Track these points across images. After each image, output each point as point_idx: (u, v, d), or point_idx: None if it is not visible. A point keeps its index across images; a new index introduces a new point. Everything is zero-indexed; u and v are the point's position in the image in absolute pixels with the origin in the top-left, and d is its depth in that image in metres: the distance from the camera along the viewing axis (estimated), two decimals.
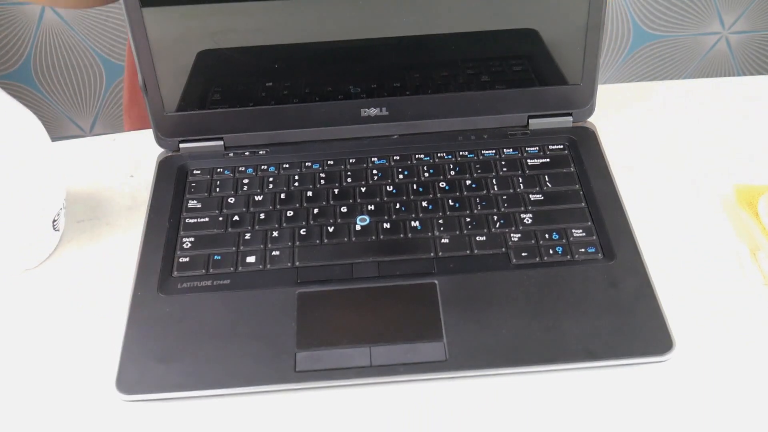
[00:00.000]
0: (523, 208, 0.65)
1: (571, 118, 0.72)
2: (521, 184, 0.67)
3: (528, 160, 0.69)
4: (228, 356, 0.56)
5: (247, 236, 0.64)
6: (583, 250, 0.61)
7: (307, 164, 0.70)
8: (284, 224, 0.65)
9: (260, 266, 0.62)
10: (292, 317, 0.58)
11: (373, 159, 0.70)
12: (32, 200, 0.60)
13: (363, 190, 0.67)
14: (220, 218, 0.66)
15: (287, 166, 0.70)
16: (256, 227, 0.65)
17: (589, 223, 0.63)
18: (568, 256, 0.61)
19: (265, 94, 0.70)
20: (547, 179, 0.67)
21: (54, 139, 0.68)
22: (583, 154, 0.69)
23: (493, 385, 0.55)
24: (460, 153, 0.70)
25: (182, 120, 0.70)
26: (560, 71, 0.70)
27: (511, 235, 0.63)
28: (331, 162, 0.70)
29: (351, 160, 0.70)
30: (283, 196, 0.67)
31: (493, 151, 0.70)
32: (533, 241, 0.62)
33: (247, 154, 0.71)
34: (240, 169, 0.70)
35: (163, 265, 0.62)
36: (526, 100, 0.71)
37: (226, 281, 0.61)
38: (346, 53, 0.69)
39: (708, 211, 0.66)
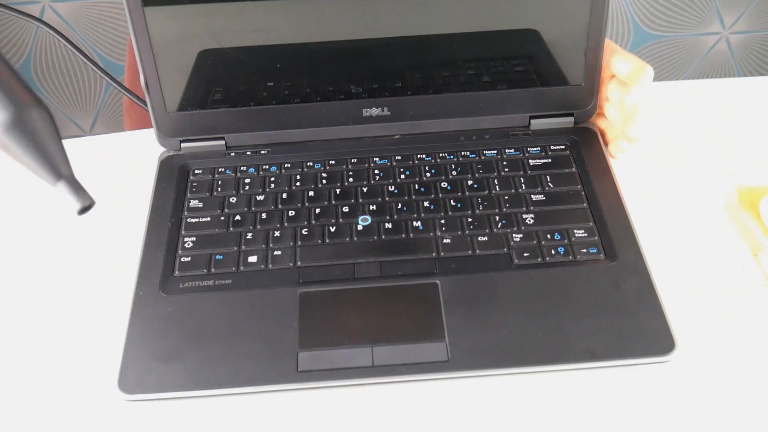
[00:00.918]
0: (524, 209, 0.65)
1: (572, 119, 0.72)
2: (523, 185, 0.67)
3: (530, 161, 0.69)
4: (230, 356, 0.56)
5: (249, 236, 0.64)
6: (585, 250, 0.61)
7: (308, 164, 0.70)
8: (286, 224, 0.65)
9: (262, 266, 0.62)
10: (293, 317, 0.58)
11: (374, 159, 0.70)
12: None
13: (365, 190, 0.67)
14: (222, 218, 0.66)
15: (289, 165, 0.70)
16: (258, 227, 0.65)
17: (591, 224, 0.63)
18: (570, 257, 0.61)
19: (267, 93, 0.70)
20: (548, 179, 0.67)
21: (65, 136, 0.68)
22: (584, 154, 0.69)
23: (495, 385, 0.55)
24: (462, 153, 0.70)
25: (184, 119, 0.70)
26: (562, 72, 0.70)
27: (513, 235, 0.63)
28: (333, 162, 0.70)
29: (353, 160, 0.70)
30: (284, 195, 0.67)
31: (495, 152, 0.70)
32: (535, 242, 0.62)
33: (248, 153, 0.71)
34: (241, 168, 0.70)
35: (164, 264, 0.62)
36: (528, 101, 0.71)
37: (227, 281, 0.61)
38: (348, 53, 0.69)
39: (709, 212, 0.66)
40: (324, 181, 0.68)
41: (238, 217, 0.65)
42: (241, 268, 0.62)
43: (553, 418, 0.53)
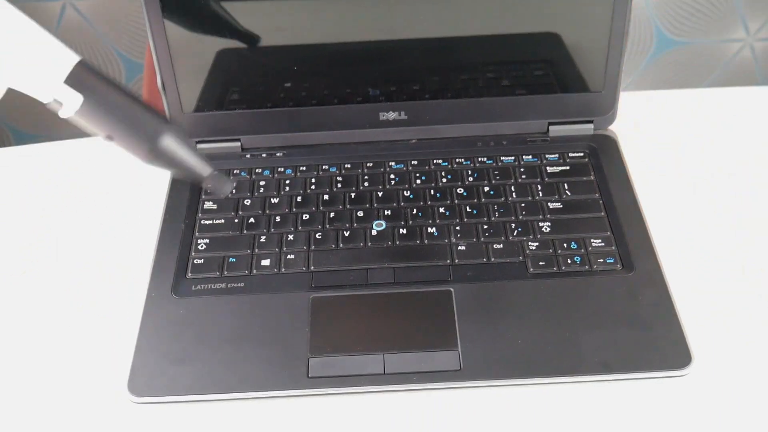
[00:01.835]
0: (541, 216, 0.64)
1: (592, 126, 0.71)
2: (540, 192, 0.66)
3: (547, 168, 0.68)
4: (240, 360, 0.55)
5: (263, 239, 0.63)
6: (601, 260, 0.61)
7: (324, 167, 0.69)
8: (300, 228, 0.64)
9: (275, 270, 0.61)
10: (305, 322, 0.57)
11: (390, 163, 0.69)
12: None
13: (380, 194, 0.67)
14: (236, 220, 0.65)
15: (304, 168, 0.69)
16: (272, 230, 0.64)
17: (609, 233, 0.63)
18: (587, 267, 0.60)
19: (284, 95, 0.70)
20: (566, 187, 0.66)
21: (73, 136, 0.68)
22: (603, 162, 0.68)
23: (507, 396, 0.54)
24: (479, 159, 0.69)
25: (200, 120, 0.70)
26: (582, 77, 0.69)
27: (529, 243, 0.62)
28: (349, 165, 0.69)
29: (368, 164, 0.69)
30: (299, 199, 0.67)
31: (512, 158, 0.69)
32: (551, 251, 0.61)
33: (264, 155, 0.71)
34: (257, 170, 0.69)
35: (177, 266, 0.62)
36: (547, 107, 0.70)
37: (240, 284, 0.61)
38: (366, 55, 0.69)
39: (730, 223, 0.65)
40: (339, 185, 0.68)
41: (251, 220, 0.65)
42: (254, 271, 0.61)
43: (566, 431, 0.52)
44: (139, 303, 0.59)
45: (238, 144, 0.71)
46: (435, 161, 0.69)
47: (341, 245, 0.63)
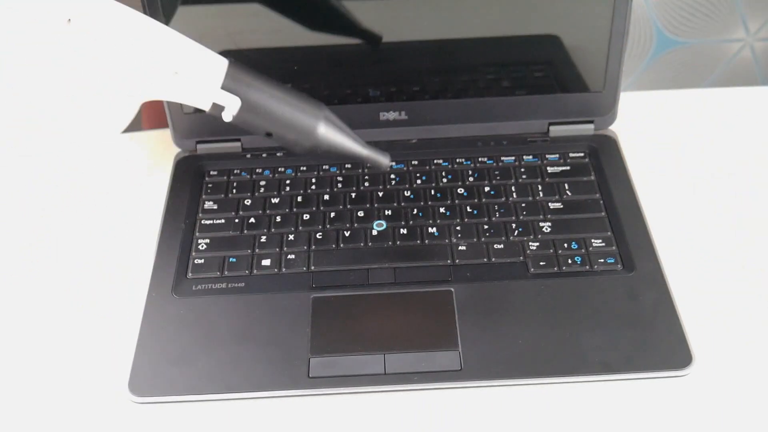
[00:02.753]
0: (542, 217, 0.64)
1: (592, 126, 0.71)
2: (540, 192, 0.66)
3: (548, 168, 0.68)
4: (241, 360, 0.55)
5: (263, 239, 0.63)
6: (602, 260, 0.61)
7: (324, 167, 0.69)
8: (300, 227, 0.64)
9: (275, 270, 0.61)
10: (306, 322, 0.57)
11: (390, 163, 0.69)
12: None
13: (380, 194, 0.67)
14: (236, 220, 0.65)
15: (305, 168, 0.69)
16: (272, 230, 0.64)
17: (609, 233, 0.63)
18: (587, 267, 0.60)
19: None
20: (567, 187, 0.66)
21: None
22: (604, 162, 0.68)
23: (508, 396, 0.54)
24: (479, 159, 0.69)
25: (200, 120, 0.70)
26: (582, 78, 0.69)
27: (530, 243, 0.62)
28: (349, 165, 0.69)
29: (369, 164, 0.69)
30: (299, 199, 0.67)
31: (513, 158, 0.69)
32: (552, 251, 0.61)
33: (264, 155, 0.71)
34: (257, 170, 0.69)
35: (177, 266, 0.62)
36: (547, 107, 0.70)
37: (240, 284, 0.61)
38: (366, 56, 0.69)
39: (730, 223, 0.65)
40: (339, 185, 0.68)
41: (252, 220, 0.65)
42: (255, 271, 0.61)
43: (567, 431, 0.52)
44: (139, 303, 0.59)
45: (238, 144, 0.71)
46: (435, 161, 0.69)
47: (342, 245, 0.63)
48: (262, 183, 0.68)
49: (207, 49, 0.50)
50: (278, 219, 0.65)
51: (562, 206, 0.65)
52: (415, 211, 0.65)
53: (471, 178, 0.67)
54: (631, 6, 0.65)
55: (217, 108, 0.51)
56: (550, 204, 0.65)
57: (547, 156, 0.69)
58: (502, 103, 0.70)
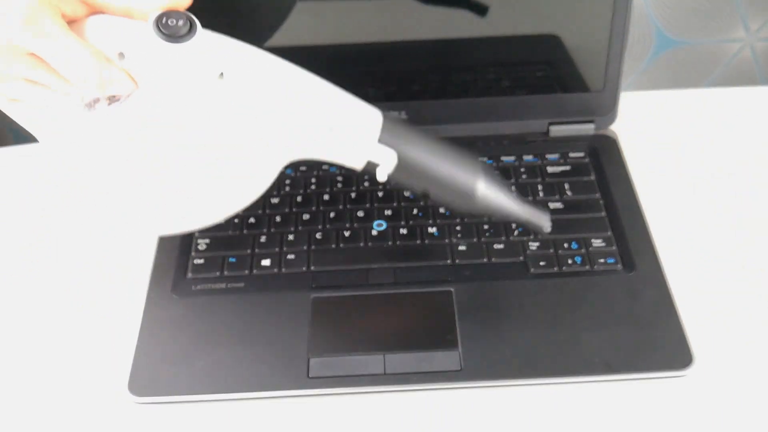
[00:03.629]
0: None
1: (592, 126, 0.71)
2: (541, 192, 0.66)
3: (548, 168, 0.68)
4: (241, 360, 0.55)
5: (263, 239, 0.63)
6: (602, 260, 0.61)
7: (324, 167, 0.69)
8: (300, 227, 0.64)
9: (275, 269, 0.61)
10: (306, 322, 0.57)
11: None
12: None
13: (380, 194, 0.67)
14: (236, 220, 0.65)
15: (304, 168, 0.69)
16: (272, 230, 0.64)
17: (609, 233, 0.63)
18: (587, 267, 0.60)
19: None
20: (567, 187, 0.66)
21: None
22: (604, 162, 0.68)
23: (508, 396, 0.54)
24: (479, 159, 0.69)
25: None
26: (582, 78, 0.69)
27: (530, 243, 0.62)
28: None
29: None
30: (299, 198, 0.66)
31: (513, 158, 0.69)
32: (552, 251, 0.61)
33: None
34: None
35: (177, 266, 0.62)
36: (548, 107, 0.70)
37: (240, 284, 0.61)
38: (366, 55, 0.68)
39: (730, 223, 0.65)
40: (339, 185, 0.68)
41: (252, 220, 0.65)
42: (254, 271, 0.61)
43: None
44: (139, 303, 0.59)
45: None
46: None
47: (342, 245, 0.63)
48: None
49: (362, 102, 0.47)
50: (278, 219, 0.65)
51: (562, 206, 0.65)
52: (415, 211, 0.65)
53: None
54: (631, 6, 0.65)
55: (372, 165, 0.47)
56: (550, 204, 0.65)
57: (547, 156, 0.69)
58: (502, 103, 0.70)
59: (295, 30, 0.67)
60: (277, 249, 0.63)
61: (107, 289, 0.62)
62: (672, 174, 0.70)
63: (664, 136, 0.74)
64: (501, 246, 0.62)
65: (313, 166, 0.69)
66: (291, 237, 0.63)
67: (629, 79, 1.22)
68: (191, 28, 0.43)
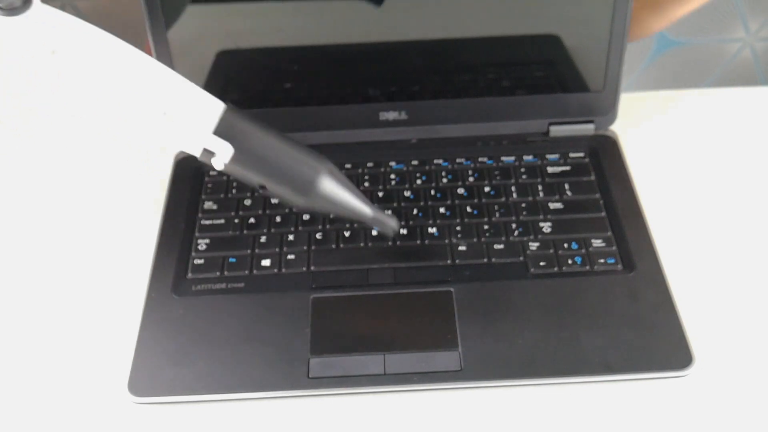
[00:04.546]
0: (542, 217, 0.64)
1: (592, 126, 0.71)
2: (541, 192, 0.66)
3: (548, 168, 0.68)
4: (241, 360, 0.55)
5: (263, 239, 0.63)
6: (602, 260, 0.61)
7: None
8: (300, 228, 0.64)
9: (275, 270, 0.61)
10: (306, 322, 0.57)
11: (391, 163, 0.69)
12: None
13: (380, 194, 0.67)
14: (236, 220, 0.65)
15: None
16: (272, 230, 0.64)
17: (609, 234, 0.63)
18: (587, 267, 0.60)
19: (284, 95, 0.70)
20: (567, 187, 0.66)
21: None
22: (604, 162, 0.68)
23: (508, 396, 0.54)
24: (479, 159, 0.69)
25: None
26: (582, 78, 0.69)
27: (530, 243, 0.62)
28: (349, 166, 0.69)
29: (369, 164, 0.69)
30: None
31: (513, 158, 0.69)
32: (552, 251, 0.61)
33: None
34: None
35: (177, 266, 0.62)
36: (548, 107, 0.70)
37: (240, 284, 0.61)
38: (366, 56, 0.68)
39: (730, 224, 0.65)
40: None
41: (252, 220, 0.65)
42: (254, 271, 0.61)
43: None
44: (139, 303, 0.59)
45: None
46: (435, 161, 0.69)
47: (341, 245, 0.63)
48: None
49: (203, 92, 0.48)
50: (278, 219, 0.65)
51: (562, 206, 0.65)
52: (415, 212, 0.65)
53: (471, 178, 0.67)
54: (631, 6, 0.65)
55: (208, 154, 0.48)
56: (550, 204, 0.65)
57: (547, 156, 0.69)
58: (502, 103, 0.70)
59: (295, 30, 0.67)
60: (277, 249, 0.63)
61: (107, 289, 0.62)
62: (672, 174, 0.70)
63: (664, 136, 0.74)
64: (501, 246, 0.62)
65: None
66: (291, 237, 0.63)
67: (629, 79, 1.22)
68: (26, 1, 0.43)
